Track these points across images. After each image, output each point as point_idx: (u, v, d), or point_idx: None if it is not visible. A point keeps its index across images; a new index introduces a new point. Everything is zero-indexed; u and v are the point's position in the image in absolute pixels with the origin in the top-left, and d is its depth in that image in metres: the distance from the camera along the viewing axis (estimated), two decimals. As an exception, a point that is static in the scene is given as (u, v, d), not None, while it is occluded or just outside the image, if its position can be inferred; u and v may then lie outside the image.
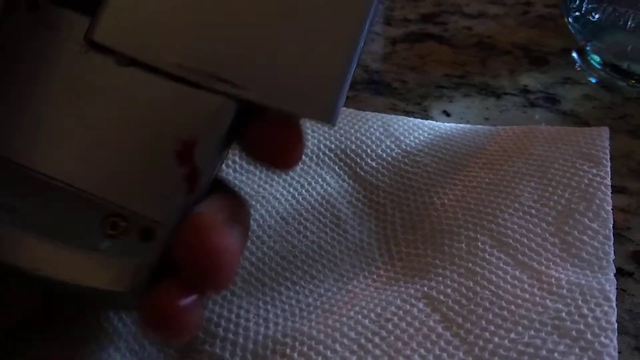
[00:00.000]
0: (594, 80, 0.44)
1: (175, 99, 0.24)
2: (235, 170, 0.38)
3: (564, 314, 0.27)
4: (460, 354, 0.27)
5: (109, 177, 0.23)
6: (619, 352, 0.26)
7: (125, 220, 0.23)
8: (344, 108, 0.42)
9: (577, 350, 0.26)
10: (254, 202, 0.36)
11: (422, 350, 0.27)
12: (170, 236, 0.23)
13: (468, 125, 0.40)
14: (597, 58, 0.44)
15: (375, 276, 0.32)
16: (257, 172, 0.38)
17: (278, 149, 0.25)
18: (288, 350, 0.28)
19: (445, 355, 0.27)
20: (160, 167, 0.23)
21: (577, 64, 0.46)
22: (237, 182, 0.37)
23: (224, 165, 0.38)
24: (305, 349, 0.28)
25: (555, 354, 0.26)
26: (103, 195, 0.23)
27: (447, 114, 0.42)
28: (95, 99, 0.24)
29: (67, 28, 0.24)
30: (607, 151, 0.36)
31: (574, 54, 0.46)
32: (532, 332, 0.27)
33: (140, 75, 0.24)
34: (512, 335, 0.27)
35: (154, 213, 0.23)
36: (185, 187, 0.23)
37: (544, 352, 0.26)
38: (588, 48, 0.45)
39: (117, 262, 0.23)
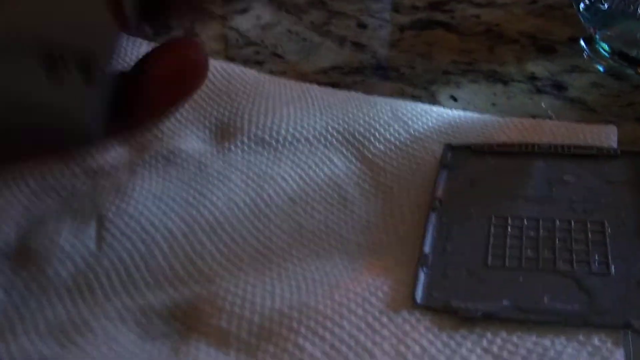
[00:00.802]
0: (601, 69, 0.44)
1: None
2: (243, 151, 0.38)
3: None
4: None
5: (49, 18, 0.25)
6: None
7: (64, 58, 0.24)
8: (353, 92, 0.42)
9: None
10: (262, 182, 0.36)
11: (430, 335, 0.27)
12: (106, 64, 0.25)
13: (476, 114, 0.40)
14: (605, 46, 0.44)
15: (381, 255, 0.32)
16: (265, 153, 0.38)
17: None
18: (295, 324, 0.28)
19: (456, 339, 0.27)
20: (93, 9, 0.25)
21: (585, 53, 0.46)
22: (245, 162, 0.37)
23: (231, 146, 0.39)
24: (312, 323, 0.28)
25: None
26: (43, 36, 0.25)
27: (455, 99, 0.43)
28: None
29: None
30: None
31: (582, 43, 0.46)
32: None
33: None
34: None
35: (89, 45, 0.25)
36: (114, 22, 0.25)
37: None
38: (597, 36, 0.45)
39: (63, 95, 0.25)
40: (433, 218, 0.33)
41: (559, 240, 0.31)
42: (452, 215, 0.33)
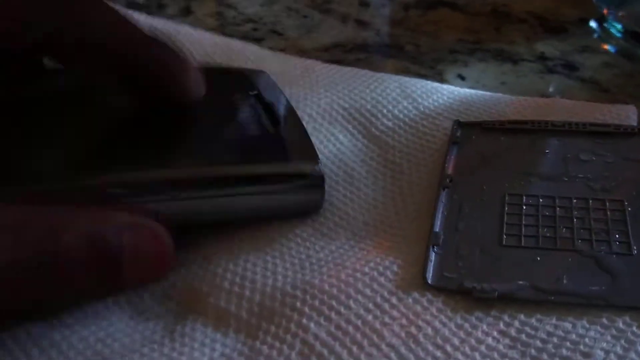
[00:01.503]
0: (613, 50, 0.43)
1: None
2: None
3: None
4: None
5: None
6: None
7: None
8: (358, 69, 0.41)
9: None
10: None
11: (442, 317, 0.26)
12: None
13: (488, 93, 0.39)
14: (618, 26, 0.43)
15: (389, 235, 0.30)
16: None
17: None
18: (298, 304, 0.26)
19: (471, 321, 0.25)
20: None
21: (595, 33, 0.44)
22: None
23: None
24: (317, 303, 0.26)
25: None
26: None
27: (462, 78, 0.41)
28: None
29: None
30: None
31: (593, 23, 0.45)
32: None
33: None
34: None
35: None
36: None
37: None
38: (610, 16, 0.43)
39: None
40: (443, 196, 0.31)
41: (576, 220, 0.29)
42: (463, 193, 0.31)
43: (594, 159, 0.33)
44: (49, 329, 0.26)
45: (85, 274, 0.24)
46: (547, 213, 0.30)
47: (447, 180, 0.32)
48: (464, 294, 0.26)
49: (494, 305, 0.26)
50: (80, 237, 0.24)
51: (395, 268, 0.28)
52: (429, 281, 0.27)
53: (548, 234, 0.29)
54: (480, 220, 0.30)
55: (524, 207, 0.30)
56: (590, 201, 0.30)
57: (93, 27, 0.28)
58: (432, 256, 0.28)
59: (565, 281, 0.26)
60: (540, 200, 0.30)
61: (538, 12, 0.47)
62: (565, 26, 0.46)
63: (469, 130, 0.35)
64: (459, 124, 0.35)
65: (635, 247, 0.28)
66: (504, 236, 0.29)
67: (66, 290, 0.25)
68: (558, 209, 0.30)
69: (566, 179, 0.32)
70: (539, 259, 0.28)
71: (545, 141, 0.34)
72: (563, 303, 0.25)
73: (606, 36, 0.44)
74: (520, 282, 0.26)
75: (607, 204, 0.30)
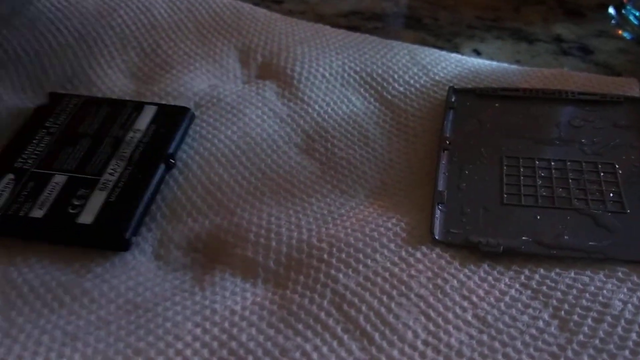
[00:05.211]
0: (629, 37, 0.43)
1: None
2: (257, 86, 0.36)
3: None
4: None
5: None
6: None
7: None
8: (367, 35, 0.41)
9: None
10: (277, 119, 0.35)
11: (466, 270, 0.27)
12: None
13: (495, 62, 0.39)
14: (636, 13, 0.44)
15: (407, 193, 0.31)
16: (280, 90, 0.36)
17: None
18: (325, 256, 0.27)
19: (495, 272, 0.27)
20: None
21: (613, 20, 0.45)
22: (260, 98, 0.36)
23: (243, 81, 0.37)
24: (343, 255, 0.27)
25: None
26: None
27: (478, 53, 0.41)
28: None
29: None
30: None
31: (611, 10, 0.46)
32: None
33: None
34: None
35: None
36: None
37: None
38: (629, 3, 0.44)
39: None
40: (444, 157, 0.32)
41: (572, 180, 0.31)
42: (463, 155, 0.32)
43: (585, 124, 0.34)
44: (78, 277, 0.27)
45: None
46: (543, 174, 0.31)
47: (447, 142, 0.33)
48: (470, 248, 0.27)
49: (514, 261, 0.27)
50: None
51: (413, 224, 0.29)
52: (436, 236, 0.28)
53: (545, 194, 0.30)
54: (481, 181, 0.31)
55: (521, 169, 0.31)
56: (584, 164, 0.31)
57: None
58: (438, 213, 0.29)
59: (566, 237, 0.28)
60: (537, 162, 0.32)
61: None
62: (583, 11, 0.46)
63: (463, 96, 0.36)
64: (453, 90, 0.36)
65: (628, 206, 0.29)
66: (505, 195, 0.30)
67: None
68: (554, 170, 0.31)
69: (559, 143, 0.33)
70: (539, 217, 0.29)
71: (536, 108, 0.35)
72: (565, 257, 0.27)
73: (623, 23, 0.44)
74: (524, 238, 0.28)
75: (600, 166, 0.31)
